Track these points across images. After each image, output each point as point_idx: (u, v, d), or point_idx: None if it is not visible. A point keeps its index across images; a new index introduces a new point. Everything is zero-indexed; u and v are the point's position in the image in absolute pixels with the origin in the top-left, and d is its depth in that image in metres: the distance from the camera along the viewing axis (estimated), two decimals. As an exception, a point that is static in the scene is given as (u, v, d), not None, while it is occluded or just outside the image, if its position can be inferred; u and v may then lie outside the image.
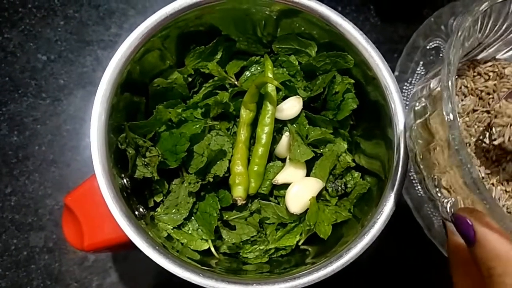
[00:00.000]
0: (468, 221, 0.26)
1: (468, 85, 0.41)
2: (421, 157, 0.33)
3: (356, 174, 0.41)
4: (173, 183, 0.39)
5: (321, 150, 0.40)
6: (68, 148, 0.53)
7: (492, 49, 0.42)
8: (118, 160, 0.35)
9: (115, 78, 0.34)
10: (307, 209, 0.37)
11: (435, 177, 0.32)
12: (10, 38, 0.56)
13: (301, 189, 0.37)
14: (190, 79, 0.41)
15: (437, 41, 0.57)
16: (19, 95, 0.54)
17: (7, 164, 0.52)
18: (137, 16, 0.57)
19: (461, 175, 0.28)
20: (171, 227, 0.37)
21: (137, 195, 0.37)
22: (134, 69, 0.36)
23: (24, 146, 0.53)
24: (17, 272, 0.50)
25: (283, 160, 0.41)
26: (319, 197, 0.40)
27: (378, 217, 0.33)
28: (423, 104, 0.33)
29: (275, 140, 0.41)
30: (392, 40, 0.59)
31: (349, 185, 0.40)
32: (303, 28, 0.39)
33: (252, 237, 0.38)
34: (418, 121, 0.33)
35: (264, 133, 0.39)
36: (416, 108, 0.34)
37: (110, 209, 0.31)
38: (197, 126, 0.38)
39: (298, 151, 0.38)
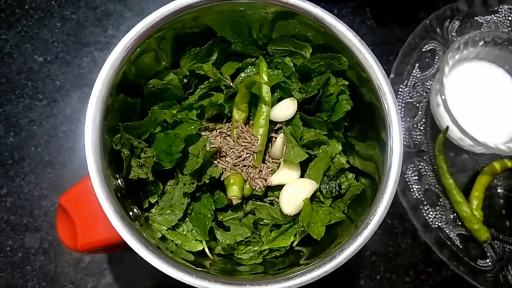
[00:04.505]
0: None
1: None
2: None
3: (350, 175, 0.41)
4: (168, 184, 0.39)
5: (315, 152, 0.40)
6: (64, 150, 0.53)
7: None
8: (113, 161, 0.35)
9: (110, 79, 0.34)
10: (301, 210, 0.37)
11: None
12: (7, 39, 0.56)
13: (295, 190, 0.38)
14: (185, 81, 0.41)
15: (433, 44, 0.58)
16: (16, 96, 0.54)
17: (2, 165, 0.53)
18: (134, 18, 0.57)
19: None
20: (166, 228, 0.37)
21: (131, 196, 0.37)
22: (130, 70, 0.36)
23: (20, 147, 0.53)
24: (12, 273, 0.50)
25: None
26: (313, 198, 0.40)
27: (371, 218, 0.33)
28: None
29: (269, 142, 0.41)
30: (388, 42, 0.59)
31: (343, 187, 0.40)
32: (298, 30, 0.39)
33: (247, 238, 0.38)
34: None
35: (259, 134, 0.39)
36: None
37: (103, 209, 0.31)
38: (192, 127, 0.38)
39: (292, 152, 0.38)
